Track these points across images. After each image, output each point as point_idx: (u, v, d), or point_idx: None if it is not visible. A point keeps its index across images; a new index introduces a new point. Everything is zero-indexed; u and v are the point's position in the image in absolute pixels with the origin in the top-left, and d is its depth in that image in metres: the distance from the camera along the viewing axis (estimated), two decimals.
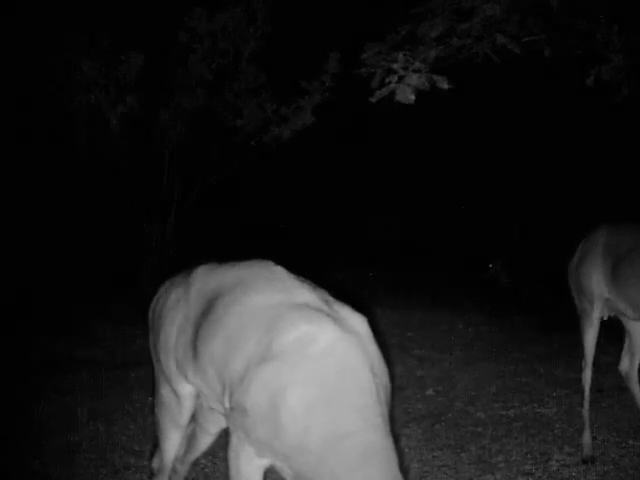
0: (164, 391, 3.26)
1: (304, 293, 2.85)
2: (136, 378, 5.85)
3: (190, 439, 3.48)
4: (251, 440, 2.63)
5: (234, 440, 2.72)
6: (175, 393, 3.21)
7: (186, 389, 3.17)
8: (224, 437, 4.75)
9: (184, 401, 3.20)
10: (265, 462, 2.68)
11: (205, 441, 3.58)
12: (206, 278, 3.15)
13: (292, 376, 2.56)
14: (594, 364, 4.75)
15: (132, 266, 9.62)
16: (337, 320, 2.71)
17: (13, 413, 5.04)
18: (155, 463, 3.50)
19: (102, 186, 9.94)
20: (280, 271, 3.04)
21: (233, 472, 2.73)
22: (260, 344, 2.71)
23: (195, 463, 4.37)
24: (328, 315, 2.72)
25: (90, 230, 11.03)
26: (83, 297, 8.60)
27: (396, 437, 2.58)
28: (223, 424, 3.45)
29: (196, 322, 3.04)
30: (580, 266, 4.68)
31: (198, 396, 3.20)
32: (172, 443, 3.30)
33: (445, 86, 4.27)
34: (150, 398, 3.49)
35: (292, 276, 2.99)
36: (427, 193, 14.96)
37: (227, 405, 2.80)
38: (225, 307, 2.93)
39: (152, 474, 3.52)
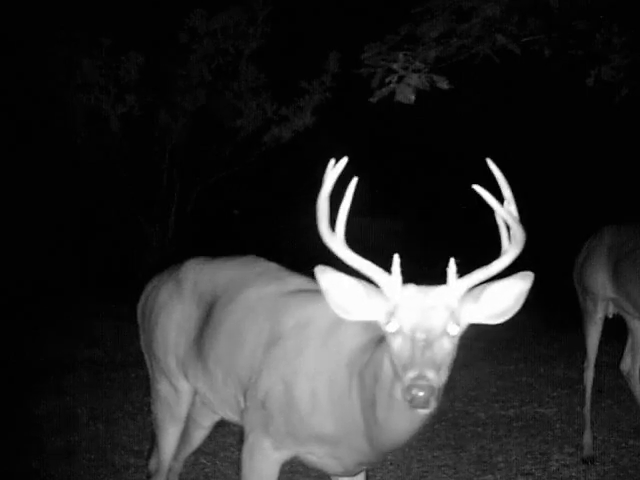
0: (161, 386, 3.25)
1: (296, 279, 2.90)
2: (136, 378, 5.84)
3: (183, 435, 3.46)
4: (270, 433, 2.63)
5: (250, 439, 2.70)
6: (174, 388, 3.20)
7: (185, 385, 3.17)
8: (224, 437, 4.76)
9: (183, 395, 3.20)
10: (285, 455, 2.68)
11: (199, 435, 3.57)
12: (198, 275, 3.15)
13: (299, 362, 2.57)
14: (595, 364, 4.75)
15: (132, 266, 9.62)
16: None
17: (13, 413, 5.04)
18: (152, 464, 3.48)
19: (102, 186, 9.95)
20: (273, 266, 3.06)
21: (246, 471, 2.71)
22: (261, 335, 2.74)
23: (195, 463, 4.37)
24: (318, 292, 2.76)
25: (90, 230, 11.03)
26: (83, 297, 8.60)
27: None
28: (216, 417, 3.45)
29: (197, 324, 3.04)
30: (584, 266, 4.68)
31: (196, 391, 3.21)
32: (170, 438, 3.27)
33: (445, 86, 4.28)
34: (147, 398, 3.51)
35: (284, 269, 3.02)
36: (427, 193, 14.96)
37: (242, 405, 2.80)
38: (223, 307, 2.95)
39: (149, 476, 3.51)
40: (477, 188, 2.21)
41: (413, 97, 4.27)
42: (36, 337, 7.00)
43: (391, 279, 2.17)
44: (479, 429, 5.11)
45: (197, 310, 3.08)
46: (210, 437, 3.75)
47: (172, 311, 3.16)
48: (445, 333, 2.08)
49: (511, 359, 6.81)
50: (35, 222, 10.44)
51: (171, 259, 3.57)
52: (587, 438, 4.63)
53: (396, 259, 2.18)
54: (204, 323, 3.00)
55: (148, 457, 3.63)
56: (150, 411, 3.39)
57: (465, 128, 13.61)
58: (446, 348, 2.08)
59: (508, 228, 2.23)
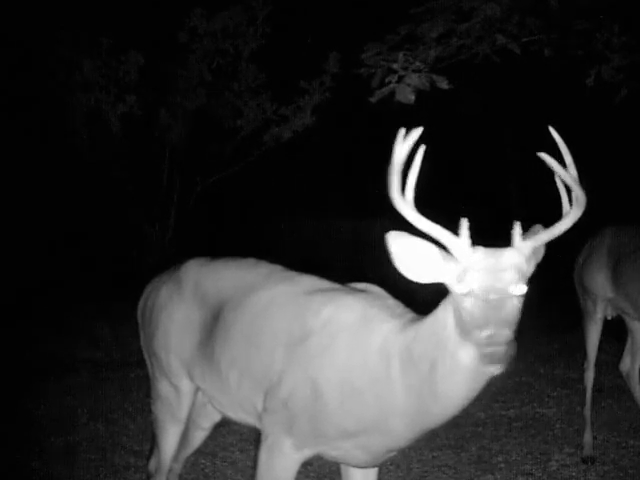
0: (162, 386, 3.25)
1: (305, 279, 2.91)
2: (136, 378, 5.85)
3: (182, 436, 3.45)
4: (293, 432, 2.62)
5: (269, 440, 2.70)
6: (175, 388, 3.20)
7: (187, 386, 3.17)
8: (224, 437, 4.77)
9: (184, 395, 3.19)
10: (306, 454, 2.68)
11: (198, 436, 3.56)
12: (199, 275, 3.15)
13: (325, 358, 2.57)
14: (595, 364, 4.75)
15: (132, 266, 9.61)
16: (347, 290, 2.77)
17: (13, 413, 5.04)
18: (152, 465, 3.47)
19: (102, 186, 9.94)
20: (277, 267, 3.06)
21: (262, 471, 2.71)
22: (279, 335, 2.73)
23: (195, 463, 4.38)
24: (338, 289, 2.78)
25: (90, 230, 11.03)
26: (83, 297, 8.60)
27: None
28: (216, 418, 3.45)
29: (202, 326, 3.03)
30: (585, 267, 4.68)
31: (197, 391, 3.20)
32: (170, 439, 3.26)
33: (445, 86, 4.28)
34: (147, 398, 3.51)
35: (288, 269, 3.03)
36: (426, 193, 14.96)
37: (258, 406, 2.79)
38: (233, 310, 2.93)
39: (149, 476, 3.50)
40: (543, 155, 2.34)
41: (413, 97, 4.27)
42: (36, 337, 7.01)
43: (461, 242, 2.24)
44: (479, 429, 5.11)
45: (200, 311, 3.06)
46: (210, 437, 3.75)
47: (173, 311, 3.15)
48: (515, 293, 2.16)
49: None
50: (34, 222, 10.43)
51: (171, 259, 3.57)
52: (587, 438, 4.63)
53: (464, 223, 2.24)
54: (211, 325, 2.98)
55: (148, 457, 3.63)
56: (150, 411, 3.39)
57: (465, 128, 13.61)
58: (516, 307, 2.16)
59: (569, 192, 2.34)
